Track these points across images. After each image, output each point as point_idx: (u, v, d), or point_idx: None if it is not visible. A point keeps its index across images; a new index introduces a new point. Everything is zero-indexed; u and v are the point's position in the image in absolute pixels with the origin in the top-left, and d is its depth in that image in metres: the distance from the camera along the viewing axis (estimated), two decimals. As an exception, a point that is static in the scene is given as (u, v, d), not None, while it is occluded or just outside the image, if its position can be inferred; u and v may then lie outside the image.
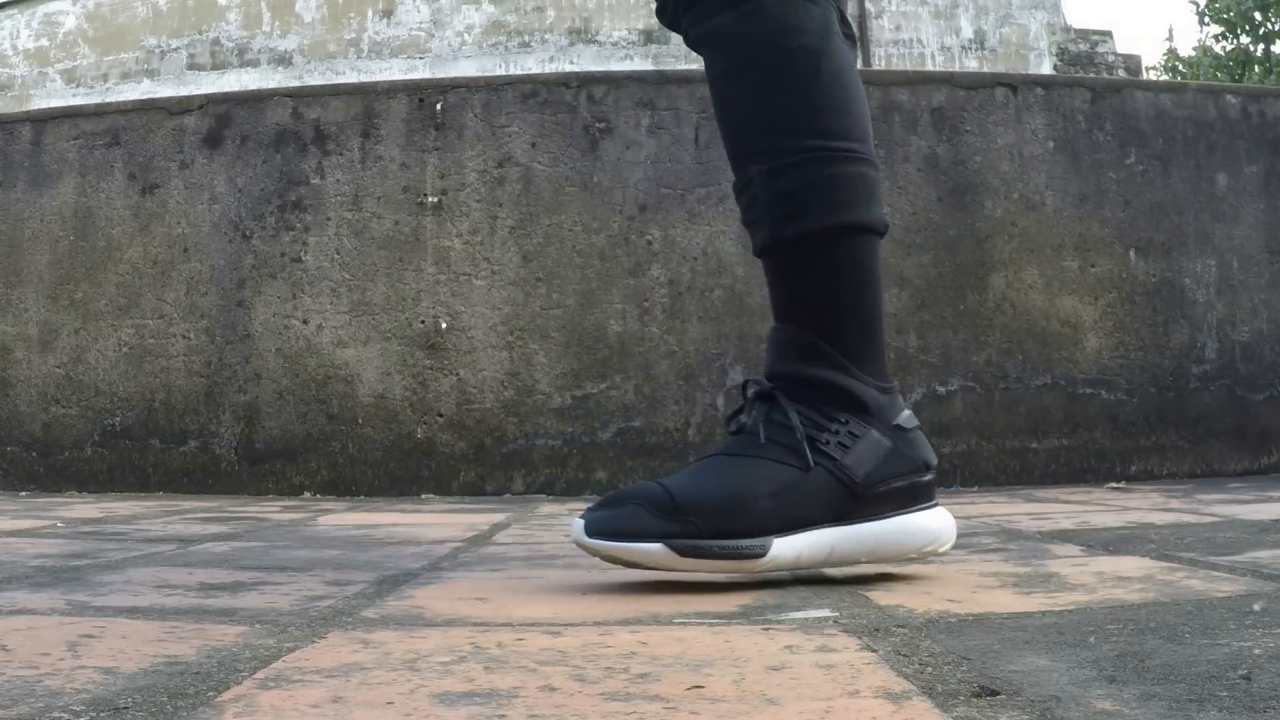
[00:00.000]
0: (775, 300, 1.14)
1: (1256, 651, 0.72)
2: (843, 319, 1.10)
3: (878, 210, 1.14)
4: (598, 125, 2.87)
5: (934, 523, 1.11)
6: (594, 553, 1.04)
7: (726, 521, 1.01)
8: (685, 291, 2.81)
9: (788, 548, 1.03)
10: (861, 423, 1.08)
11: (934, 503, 1.12)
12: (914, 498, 1.10)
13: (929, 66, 7.78)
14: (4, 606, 0.99)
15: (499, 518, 2.05)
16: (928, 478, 1.11)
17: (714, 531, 1.01)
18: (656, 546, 1.00)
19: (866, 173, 1.13)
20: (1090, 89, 3.02)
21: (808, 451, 1.05)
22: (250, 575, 1.21)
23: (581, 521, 1.04)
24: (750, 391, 1.12)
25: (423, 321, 2.83)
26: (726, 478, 1.05)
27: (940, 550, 1.11)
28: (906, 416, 1.12)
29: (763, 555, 1.01)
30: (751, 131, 1.14)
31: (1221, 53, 15.59)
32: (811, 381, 1.09)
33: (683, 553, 1.00)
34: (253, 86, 6.68)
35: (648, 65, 7.09)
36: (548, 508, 2.34)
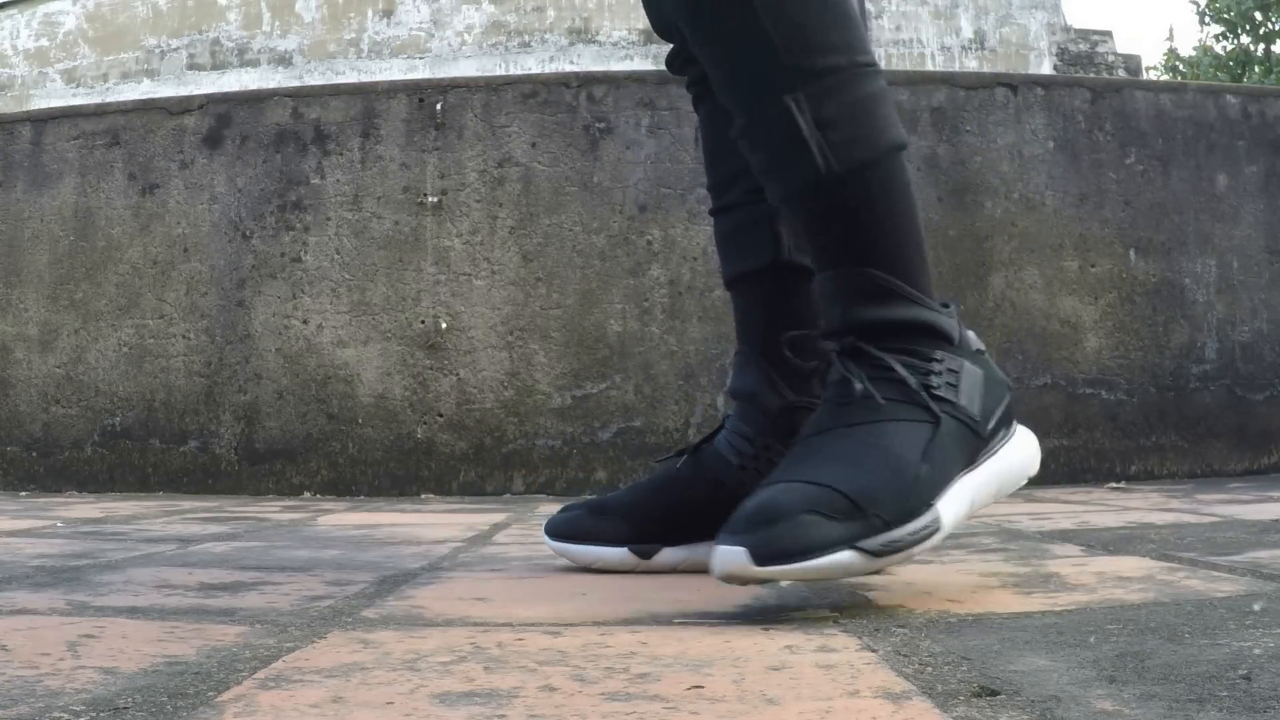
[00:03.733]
0: (822, 247, 1.04)
1: (1256, 651, 0.72)
2: (905, 246, 1.02)
3: (899, 122, 1.06)
4: (598, 125, 2.87)
5: (1029, 442, 1.06)
6: (770, 579, 0.90)
7: (904, 503, 0.91)
8: (685, 291, 2.81)
9: (949, 511, 0.94)
10: (953, 355, 1.00)
11: (1015, 421, 1.06)
12: (1008, 421, 1.04)
13: (929, 66, 7.77)
14: (4, 606, 0.98)
15: (499, 518, 2.05)
16: (1011, 397, 1.05)
17: (897, 518, 0.90)
18: (847, 554, 0.88)
19: (887, 85, 1.05)
20: (1090, 89, 3.02)
21: (929, 401, 0.97)
22: (250, 575, 1.21)
23: (742, 550, 0.87)
24: (824, 348, 1.02)
25: (423, 321, 2.83)
26: (879, 454, 0.93)
27: (1035, 470, 1.06)
28: (974, 337, 1.05)
29: (940, 528, 0.92)
30: (776, 56, 1.01)
31: (1222, 52, 15.59)
32: (894, 324, 1.00)
33: (878, 553, 0.89)
34: (253, 86, 6.67)
35: (648, 65, 7.08)
36: (547, 507, 2.34)
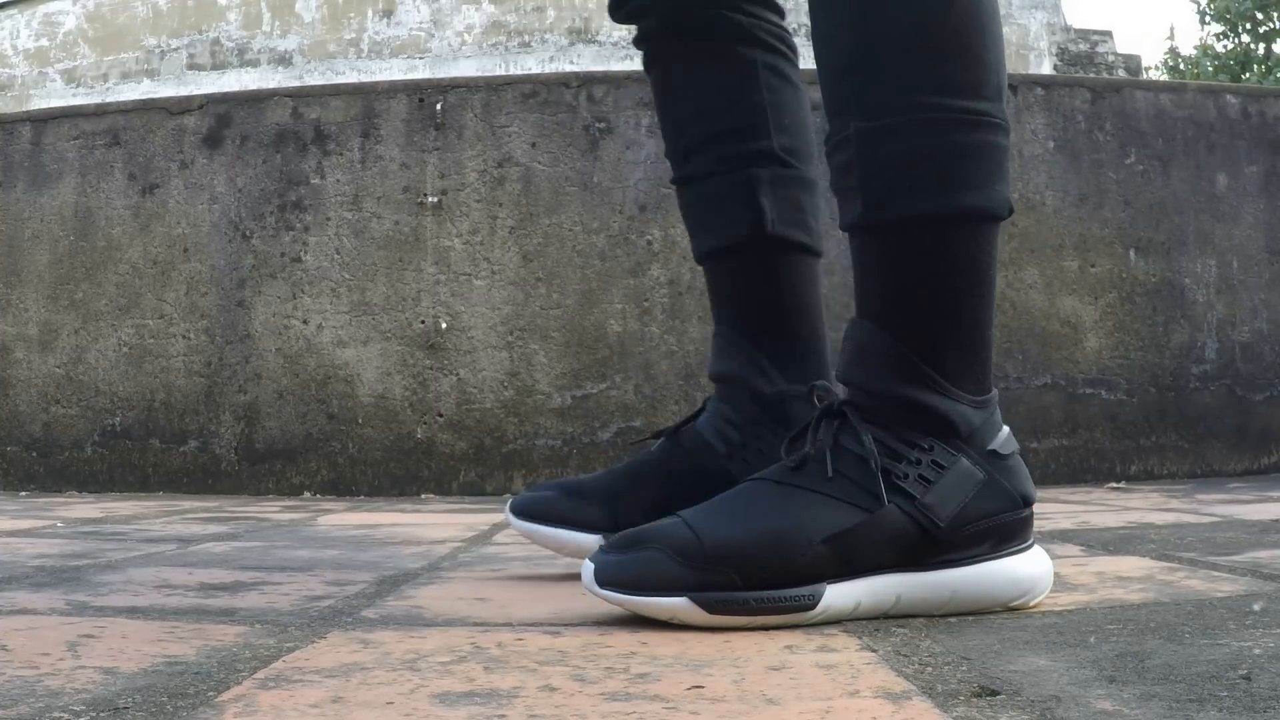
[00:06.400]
0: (859, 291, 0.94)
1: (1256, 651, 0.72)
2: (942, 327, 0.91)
3: (1004, 191, 0.92)
4: (598, 125, 2.87)
5: (1027, 568, 0.92)
6: (608, 602, 0.89)
7: (767, 570, 0.85)
8: (685, 291, 2.81)
9: (844, 596, 0.87)
10: (949, 450, 0.90)
11: (1029, 543, 0.93)
12: (1006, 539, 0.91)
13: (929, 66, 7.75)
14: (4, 606, 0.98)
15: (499, 518, 2.04)
16: (1024, 514, 0.93)
17: (751, 581, 0.85)
18: (680, 601, 0.85)
19: (997, 142, 0.91)
20: (1090, 89, 3.02)
21: (882, 488, 0.88)
22: (250, 575, 1.21)
23: (591, 567, 0.88)
24: (819, 404, 0.94)
25: (423, 321, 2.83)
26: (771, 516, 0.87)
27: (1031, 604, 0.93)
28: (1005, 439, 0.93)
29: (813, 606, 0.85)
30: (851, 75, 0.92)
31: (1222, 52, 15.59)
32: (892, 398, 0.91)
33: (711, 608, 0.85)
34: (253, 86, 6.67)
35: (648, 65, 7.07)
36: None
